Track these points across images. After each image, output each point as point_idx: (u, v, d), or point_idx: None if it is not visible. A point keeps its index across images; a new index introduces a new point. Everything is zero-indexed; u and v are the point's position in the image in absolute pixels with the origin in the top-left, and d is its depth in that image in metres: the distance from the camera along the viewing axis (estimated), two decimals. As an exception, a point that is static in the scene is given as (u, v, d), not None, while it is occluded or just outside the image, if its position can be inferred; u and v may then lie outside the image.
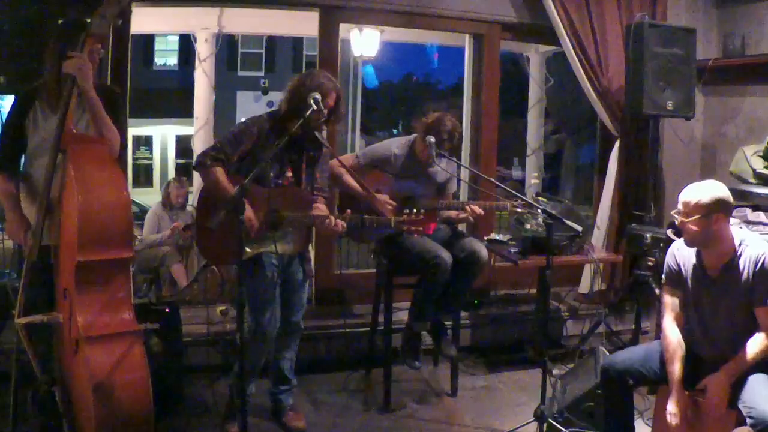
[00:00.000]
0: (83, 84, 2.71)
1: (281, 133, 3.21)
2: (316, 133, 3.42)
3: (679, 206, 2.79)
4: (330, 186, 3.70)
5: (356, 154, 4.04)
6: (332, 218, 3.30)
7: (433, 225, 3.91)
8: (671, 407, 2.75)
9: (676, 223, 2.83)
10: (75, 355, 2.65)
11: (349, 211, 3.38)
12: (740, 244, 2.77)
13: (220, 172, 3.26)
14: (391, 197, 3.79)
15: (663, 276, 3.06)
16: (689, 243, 2.83)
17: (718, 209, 2.71)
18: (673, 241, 3.17)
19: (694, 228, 2.73)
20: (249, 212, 3.18)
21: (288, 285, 3.51)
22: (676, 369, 2.80)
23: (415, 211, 3.30)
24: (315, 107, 3.16)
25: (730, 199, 2.77)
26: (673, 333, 2.89)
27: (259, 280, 3.35)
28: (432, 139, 3.71)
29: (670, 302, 2.98)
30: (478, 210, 3.83)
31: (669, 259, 3.01)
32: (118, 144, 2.90)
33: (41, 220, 2.72)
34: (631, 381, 2.95)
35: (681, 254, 2.95)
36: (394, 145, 4.00)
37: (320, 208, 3.43)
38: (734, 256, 2.77)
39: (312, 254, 4.45)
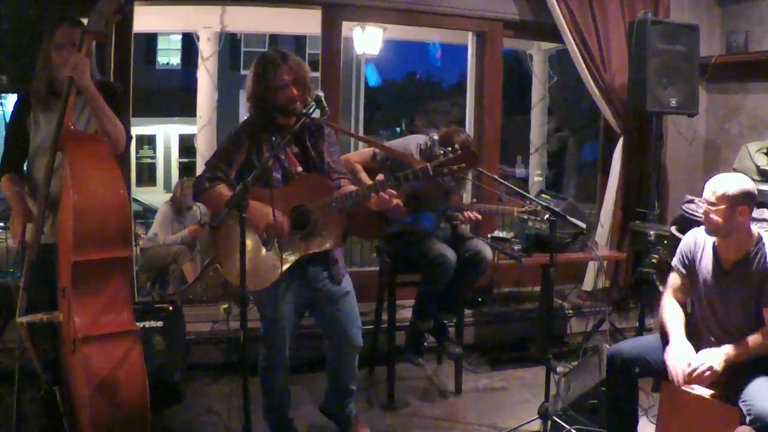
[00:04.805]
0: (81, 82, 2.69)
1: (278, 131, 2.97)
2: (308, 120, 2.93)
3: (706, 195, 2.79)
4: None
5: (375, 151, 3.88)
6: (374, 194, 2.87)
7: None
8: (673, 359, 2.74)
9: (701, 211, 2.85)
10: (73, 355, 2.65)
11: (381, 175, 3.02)
12: (758, 242, 2.78)
13: (223, 188, 2.91)
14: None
15: (674, 258, 3.07)
16: (711, 232, 2.84)
17: (744, 201, 2.72)
18: (678, 238, 3.17)
19: (719, 218, 2.74)
20: (273, 216, 2.80)
21: (322, 303, 3.14)
22: (676, 323, 2.86)
23: (449, 149, 2.89)
24: (316, 105, 2.81)
25: (756, 192, 2.79)
26: (671, 303, 2.98)
27: (277, 309, 3.02)
28: (435, 136, 3.71)
29: (673, 283, 3.03)
30: (474, 216, 3.81)
31: (683, 245, 3.03)
32: (124, 138, 2.87)
33: (41, 218, 2.72)
34: (637, 369, 2.95)
35: (698, 241, 2.96)
36: (413, 145, 3.87)
37: (350, 188, 3.03)
38: (751, 252, 2.78)
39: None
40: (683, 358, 2.73)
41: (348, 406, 3.39)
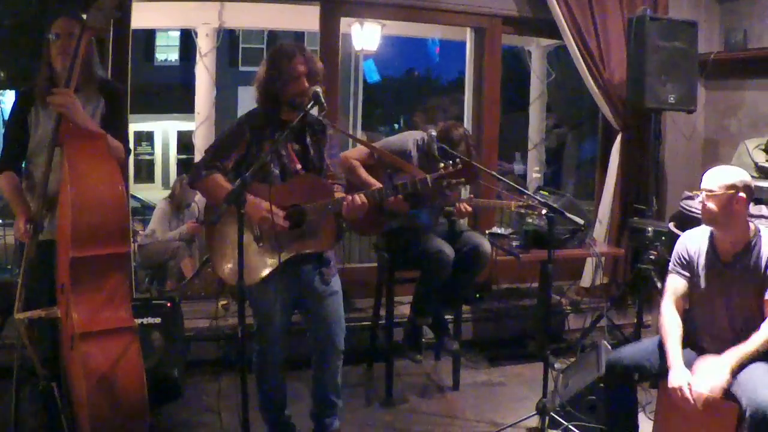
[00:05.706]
0: (75, 121, 2.67)
1: (280, 126, 2.94)
2: (318, 116, 3.00)
3: (703, 185, 2.80)
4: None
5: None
6: (348, 196, 2.90)
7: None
8: (675, 381, 2.69)
9: (698, 201, 2.84)
10: (71, 351, 2.65)
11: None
12: (756, 235, 2.79)
13: (219, 177, 2.92)
14: None
15: (670, 263, 3.05)
16: (707, 221, 2.84)
17: (741, 190, 2.74)
18: (677, 235, 3.17)
19: (715, 207, 2.75)
20: (264, 209, 2.83)
21: (309, 301, 3.11)
22: (674, 345, 2.80)
23: (451, 162, 2.94)
24: (314, 101, 2.84)
25: (753, 184, 2.80)
26: (671, 313, 2.91)
27: (268, 306, 3.02)
28: (433, 132, 3.71)
29: (672, 287, 2.99)
30: (465, 209, 3.80)
31: (679, 247, 3.02)
32: (123, 153, 2.90)
33: (39, 214, 2.72)
34: (636, 376, 2.95)
35: (692, 242, 2.96)
36: (411, 141, 3.85)
37: (341, 195, 3.01)
38: (749, 245, 2.78)
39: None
40: (683, 381, 2.69)
41: (328, 419, 3.25)
